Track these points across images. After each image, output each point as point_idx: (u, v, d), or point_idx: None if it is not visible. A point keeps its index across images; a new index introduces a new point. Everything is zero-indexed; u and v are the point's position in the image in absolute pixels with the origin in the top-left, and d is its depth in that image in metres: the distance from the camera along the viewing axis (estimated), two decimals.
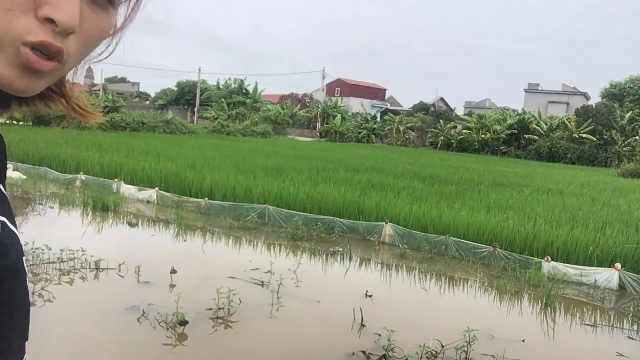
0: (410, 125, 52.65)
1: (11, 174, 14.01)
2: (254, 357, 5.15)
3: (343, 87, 76.13)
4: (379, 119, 58.39)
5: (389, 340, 5.16)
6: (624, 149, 40.44)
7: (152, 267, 7.36)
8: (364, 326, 5.91)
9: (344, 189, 12.74)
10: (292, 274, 7.62)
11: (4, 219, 0.57)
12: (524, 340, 5.92)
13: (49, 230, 9.67)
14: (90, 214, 11.21)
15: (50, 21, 0.50)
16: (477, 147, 47.02)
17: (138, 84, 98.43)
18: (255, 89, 61.27)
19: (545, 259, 8.77)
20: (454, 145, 47.94)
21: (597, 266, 8.63)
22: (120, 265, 7.37)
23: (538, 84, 69.67)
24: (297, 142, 41.50)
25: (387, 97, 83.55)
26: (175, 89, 74.90)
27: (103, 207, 11.48)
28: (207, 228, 10.65)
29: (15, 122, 36.73)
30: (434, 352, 5.29)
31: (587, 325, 6.89)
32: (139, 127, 35.50)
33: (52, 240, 7.63)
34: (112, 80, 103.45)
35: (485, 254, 9.30)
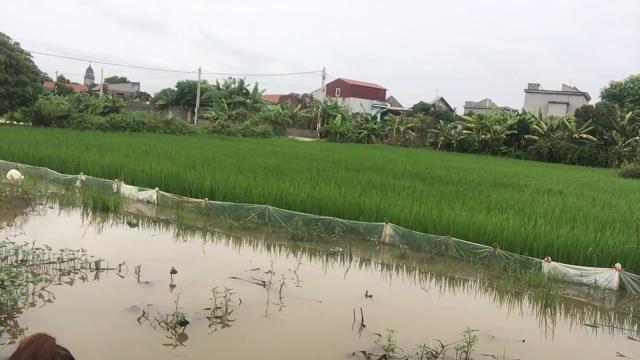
0: (410, 125, 52.71)
1: (12, 173, 14.00)
2: (255, 357, 5.15)
3: (343, 87, 76.20)
4: (379, 119, 58.41)
5: (389, 340, 5.15)
6: (624, 149, 40.44)
7: (152, 267, 7.36)
8: (364, 326, 5.92)
9: (343, 189, 12.73)
10: (292, 273, 7.63)
11: None
12: (524, 340, 5.92)
13: (49, 230, 9.67)
14: (90, 214, 11.21)
15: None
16: (477, 147, 47.03)
17: (138, 84, 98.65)
18: (255, 89, 61.32)
19: (545, 259, 8.76)
20: (454, 145, 47.94)
21: (597, 266, 8.62)
22: (120, 265, 7.38)
23: (538, 84, 69.71)
24: (297, 142, 41.49)
25: (387, 97, 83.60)
26: (175, 89, 75.00)
27: (103, 207, 11.49)
28: (207, 228, 10.65)
29: (15, 122, 36.73)
30: (434, 352, 5.29)
31: (587, 325, 6.88)
32: (139, 127, 35.53)
33: (52, 240, 7.63)
34: (112, 80, 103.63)
35: (485, 254, 9.30)
